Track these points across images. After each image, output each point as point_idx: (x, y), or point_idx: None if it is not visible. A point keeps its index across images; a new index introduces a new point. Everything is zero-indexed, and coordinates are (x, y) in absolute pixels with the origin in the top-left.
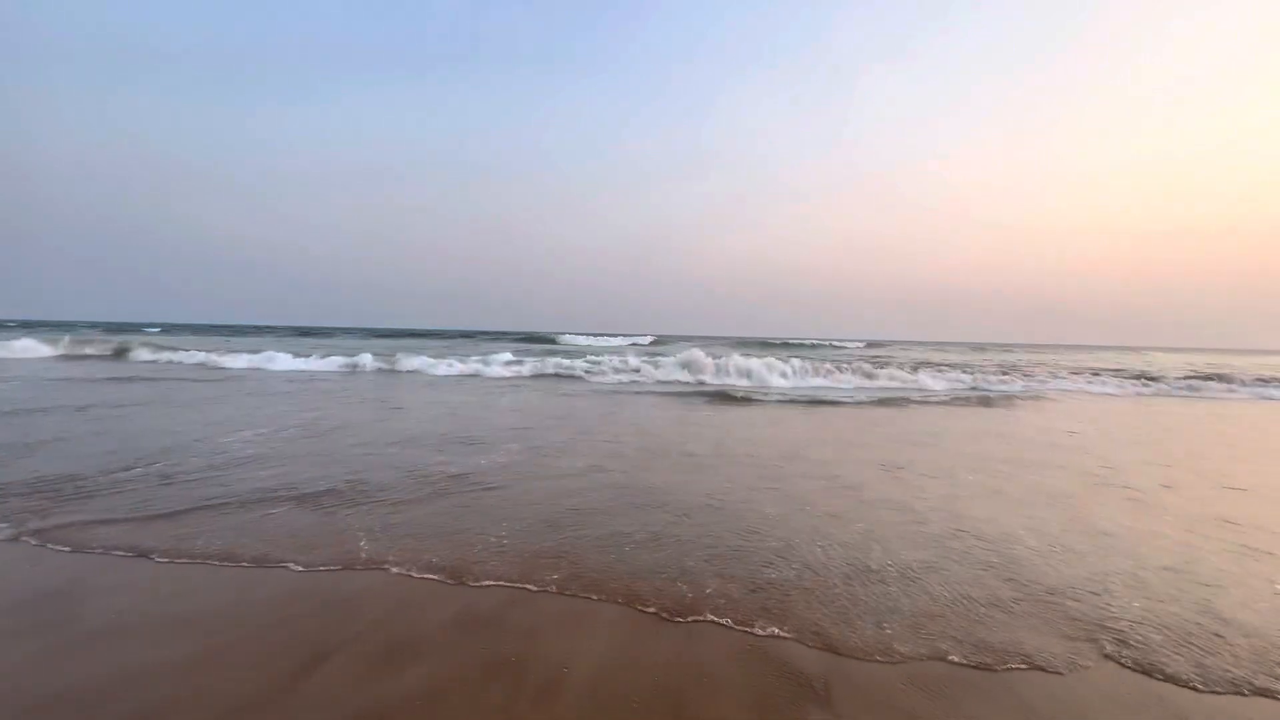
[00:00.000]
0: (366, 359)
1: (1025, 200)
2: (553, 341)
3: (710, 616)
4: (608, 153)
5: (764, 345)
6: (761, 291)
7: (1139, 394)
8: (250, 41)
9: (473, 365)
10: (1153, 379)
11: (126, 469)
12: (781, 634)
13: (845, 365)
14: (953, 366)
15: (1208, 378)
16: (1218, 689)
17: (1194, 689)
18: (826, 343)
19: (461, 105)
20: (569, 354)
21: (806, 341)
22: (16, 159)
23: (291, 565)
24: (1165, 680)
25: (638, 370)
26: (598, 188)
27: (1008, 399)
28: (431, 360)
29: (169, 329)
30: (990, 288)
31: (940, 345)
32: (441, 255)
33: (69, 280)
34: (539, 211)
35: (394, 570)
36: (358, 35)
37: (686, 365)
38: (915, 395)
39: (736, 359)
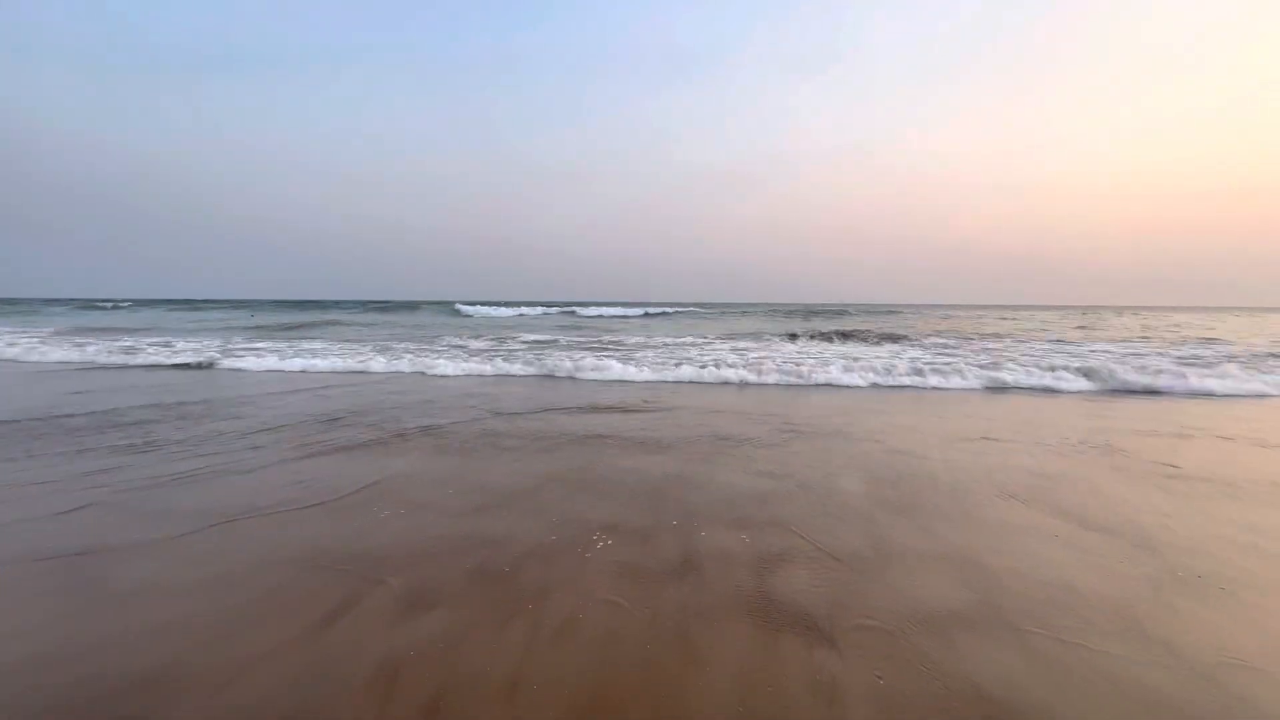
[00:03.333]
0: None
1: (1044, 160)
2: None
3: None
4: (608, 122)
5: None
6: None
7: None
8: (253, 39)
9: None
10: None
11: None
12: None
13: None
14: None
15: None
16: None
17: None
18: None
19: (461, 79)
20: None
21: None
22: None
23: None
24: None
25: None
26: (594, 158)
27: None
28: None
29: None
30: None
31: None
32: (435, 231)
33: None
34: (534, 187)
35: None
36: (351, 33)
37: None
38: None
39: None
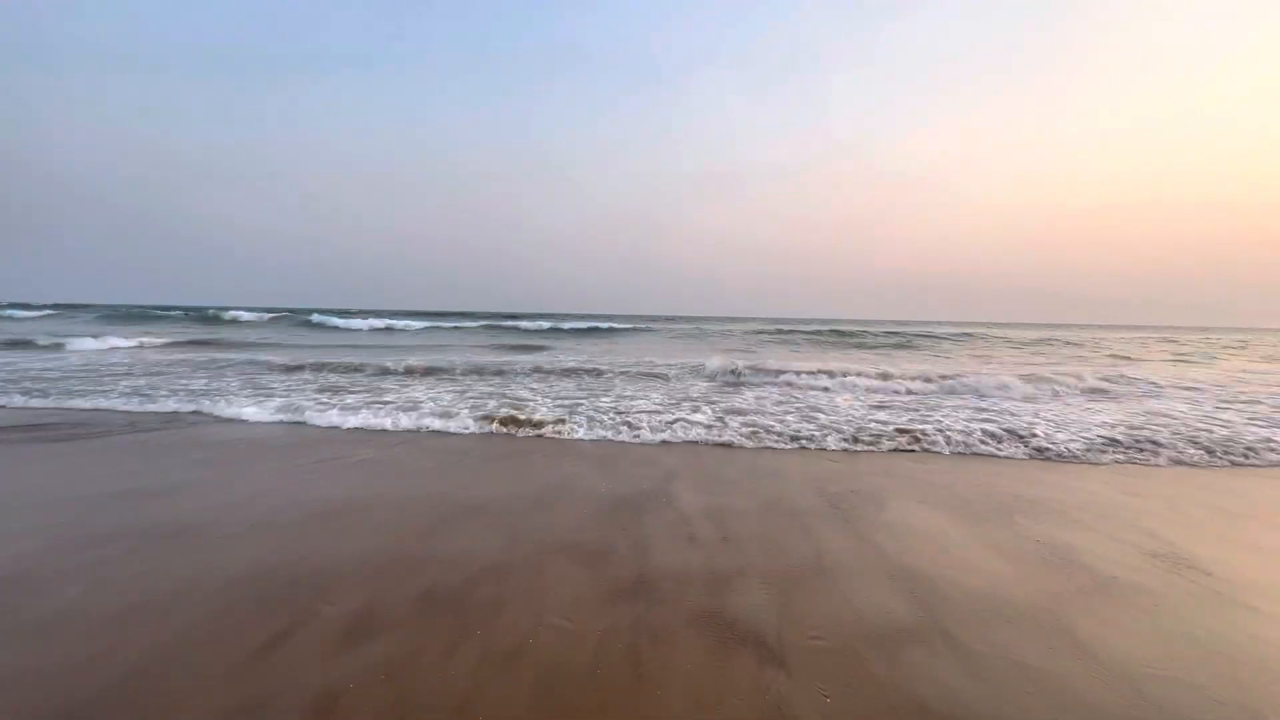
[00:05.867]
0: None
1: (1013, 175)
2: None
3: None
4: (574, 134)
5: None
6: (749, 271)
7: None
8: (247, 43)
9: None
10: None
11: None
12: None
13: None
14: None
15: None
16: None
17: None
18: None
19: (437, 91)
20: None
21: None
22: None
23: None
24: None
25: None
26: (566, 167)
27: None
28: None
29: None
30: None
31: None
32: (406, 238)
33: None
34: (511, 196)
35: None
36: (345, 37)
37: None
38: None
39: None
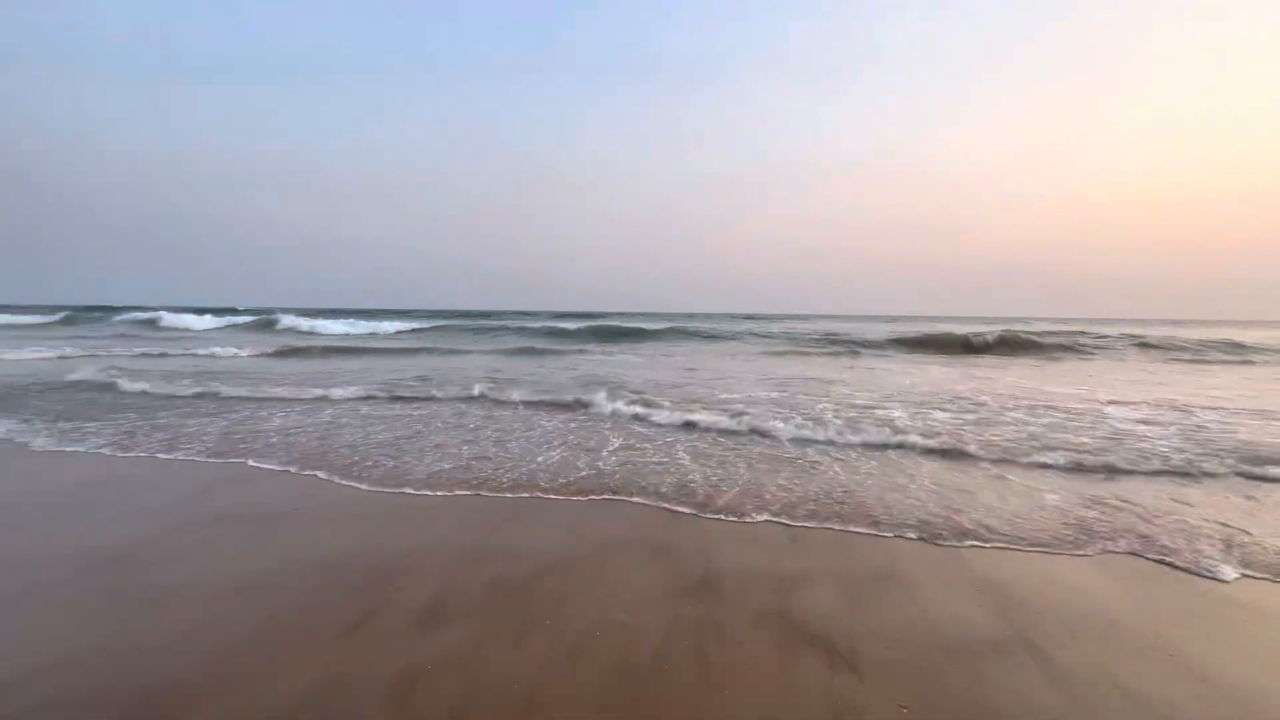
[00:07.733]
0: None
1: (1059, 171)
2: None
3: None
4: (598, 133)
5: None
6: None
7: None
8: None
9: None
10: None
11: None
12: None
13: None
14: None
15: None
16: None
17: None
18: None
19: (453, 91)
20: None
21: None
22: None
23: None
24: None
25: None
26: (585, 168)
27: None
28: None
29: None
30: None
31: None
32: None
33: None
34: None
35: None
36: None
37: None
38: None
39: None
